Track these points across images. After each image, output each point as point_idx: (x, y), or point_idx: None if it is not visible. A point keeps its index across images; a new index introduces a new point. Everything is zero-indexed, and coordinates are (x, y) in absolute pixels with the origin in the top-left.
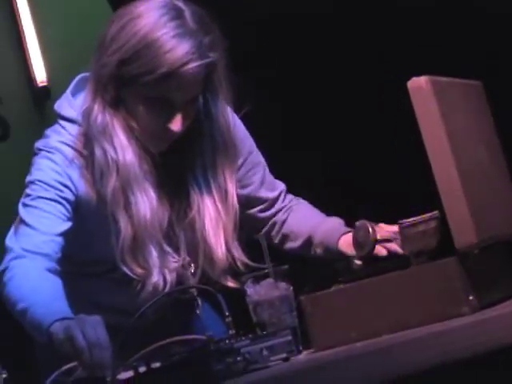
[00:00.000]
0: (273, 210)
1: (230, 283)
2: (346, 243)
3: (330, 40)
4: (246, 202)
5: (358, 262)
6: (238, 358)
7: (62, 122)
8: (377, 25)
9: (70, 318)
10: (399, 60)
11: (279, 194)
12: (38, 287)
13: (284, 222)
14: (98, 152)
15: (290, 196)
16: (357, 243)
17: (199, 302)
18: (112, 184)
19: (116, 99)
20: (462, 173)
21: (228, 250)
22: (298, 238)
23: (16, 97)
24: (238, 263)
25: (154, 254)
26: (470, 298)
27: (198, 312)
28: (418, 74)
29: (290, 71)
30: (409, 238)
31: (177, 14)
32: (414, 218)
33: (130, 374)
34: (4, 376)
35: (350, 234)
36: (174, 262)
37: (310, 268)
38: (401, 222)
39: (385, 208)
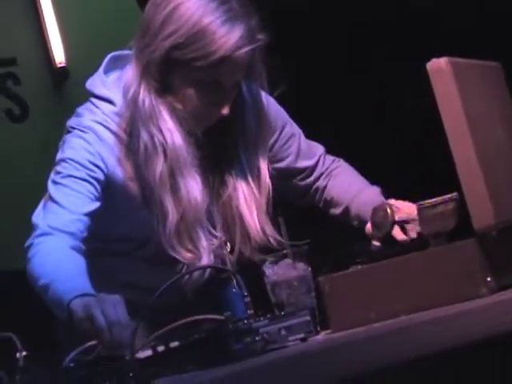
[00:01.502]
0: (313, 177)
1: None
2: None
3: (348, 18)
4: (286, 174)
5: (377, 243)
6: (257, 338)
7: (95, 101)
8: (398, 5)
9: (90, 295)
10: (419, 41)
11: (318, 160)
12: (61, 264)
13: (325, 188)
14: (144, 135)
15: (329, 158)
16: (375, 224)
17: (235, 280)
18: (160, 167)
19: (162, 83)
20: (481, 154)
21: (261, 227)
22: (338, 207)
23: (35, 78)
24: (271, 240)
25: (203, 237)
26: (488, 279)
27: (234, 290)
28: (438, 56)
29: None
30: (427, 220)
31: None
32: (433, 200)
33: (148, 352)
34: (24, 354)
35: (394, 202)
36: (214, 242)
37: (328, 249)
38: (419, 203)
39: (404, 189)
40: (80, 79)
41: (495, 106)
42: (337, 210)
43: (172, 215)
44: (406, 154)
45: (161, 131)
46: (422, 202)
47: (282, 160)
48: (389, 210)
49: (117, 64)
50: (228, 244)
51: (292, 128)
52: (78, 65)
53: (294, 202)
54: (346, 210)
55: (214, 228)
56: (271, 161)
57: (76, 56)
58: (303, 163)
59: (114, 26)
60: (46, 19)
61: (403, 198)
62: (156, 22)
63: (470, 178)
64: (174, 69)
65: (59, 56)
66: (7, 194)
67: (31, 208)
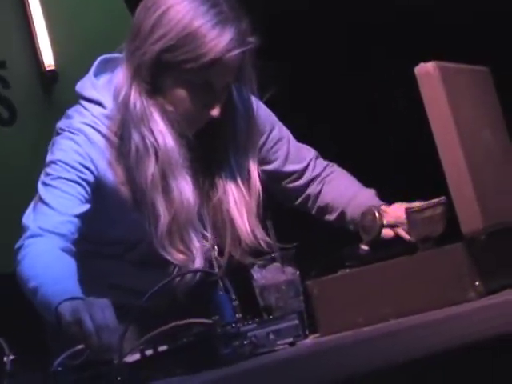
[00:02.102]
0: (303, 181)
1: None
2: None
3: (338, 23)
4: (274, 177)
5: (365, 247)
6: (245, 342)
7: (85, 103)
8: (387, 9)
9: (79, 298)
10: (407, 45)
11: (307, 165)
12: (50, 267)
13: (318, 194)
14: (135, 137)
15: (321, 163)
16: (363, 228)
17: (221, 283)
18: (151, 169)
19: (153, 85)
20: (469, 158)
21: (252, 229)
22: (333, 212)
23: (24, 81)
24: (262, 243)
25: (195, 238)
26: (477, 283)
27: (221, 293)
28: (426, 60)
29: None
30: (416, 224)
31: (214, 2)
32: (421, 204)
33: (136, 356)
34: (12, 358)
35: (382, 206)
36: (206, 244)
37: (317, 252)
38: (408, 207)
39: (392, 193)
40: (69, 82)
41: (484, 110)
42: (332, 216)
43: (164, 217)
44: (399, 154)
45: (152, 133)
46: (410, 206)
47: (269, 163)
48: (377, 214)
49: (107, 67)
50: (215, 247)
51: (280, 131)
52: (67, 68)
53: (286, 204)
54: (342, 215)
55: (205, 230)
56: (260, 163)
57: (65, 59)
58: (291, 167)
59: (103, 29)
60: (35, 22)
61: (395, 199)
62: (146, 25)
63: (458, 183)
64: (165, 71)
65: (48, 59)
66: None
67: (21, 211)
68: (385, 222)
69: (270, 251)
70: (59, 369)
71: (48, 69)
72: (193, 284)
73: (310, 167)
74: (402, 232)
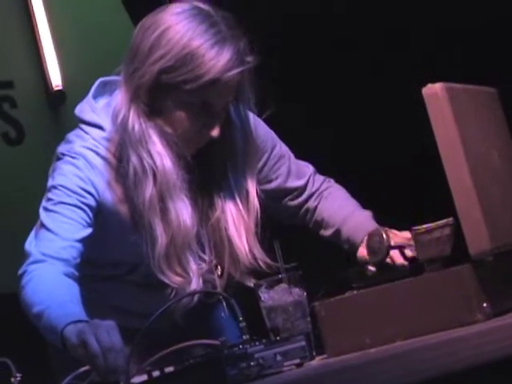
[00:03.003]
0: (303, 197)
1: (253, 284)
2: None
3: (345, 43)
4: (276, 194)
5: (372, 269)
6: (252, 363)
7: (85, 127)
8: (394, 29)
9: (83, 321)
10: (415, 67)
11: (307, 180)
12: (54, 291)
13: (315, 208)
14: (134, 159)
15: (319, 178)
16: (370, 249)
17: (228, 304)
18: (149, 191)
19: (152, 106)
20: (477, 180)
21: (250, 249)
22: (328, 228)
23: (31, 101)
24: (260, 263)
25: (192, 261)
26: (484, 305)
27: (223, 315)
28: (434, 81)
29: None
30: (423, 245)
31: (212, 22)
32: (428, 225)
33: (143, 378)
34: (19, 379)
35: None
36: (203, 266)
37: (323, 274)
38: (415, 228)
39: (399, 214)
40: (77, 102)
41: (490, 131)
42: (327, 232)
43: (161, 239)
44: (406, 175)
45: (150, 155)
46: (417, 227)
47: (271, 181)
48: (384, 235)
49: (106, 89)
50: (219, 267)
51: (281, 149)
52: (74, 88)
53: (285, 221)
54: (337, 233)
55: (204, 251)
56: (261, 182)
57: (73, 79)
58: (293, 183)
59: (111, 49)
60: (42, 42)
61: (402, 220)
62: (145, 46)
63: (465, 204)
64: (164, 92)
65: (56, 79)
66: (3, 217)
67: (28, 232)
68: (392, 244)
69: (269, 271)
70: None
71: (55, 89)
72: (190, 306)
73: (310, 183)
74: (408, 254)
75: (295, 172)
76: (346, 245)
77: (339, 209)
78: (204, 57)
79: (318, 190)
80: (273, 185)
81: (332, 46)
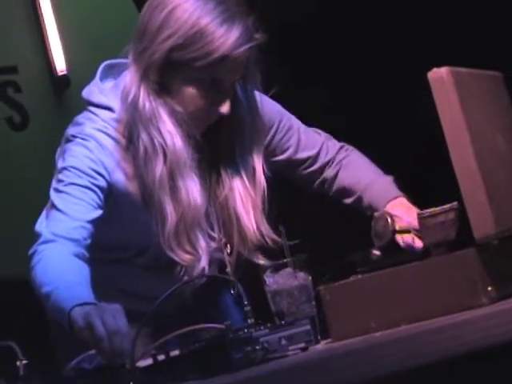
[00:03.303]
0: (317, 165)
1: (261, 260)
2: (392, 210)
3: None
4: (289, 165)
5: (377, 253)
6: (257, 347)
7: (94, 109)
8: (400, 13)
9: (91, 303)
10: (421, 50)
11: (320, 149)
12: (63, 272)
13: (335, 177)
14: (144, 138)
15: (335, 145)
16: (375, 234)
17: (235, 288)
18: (159, 169)
19: (161, 85)
20: (482, 163)
21: (257, 226)
22: (350, 196)
23: (35, 86)
24: (268, 240)
25: (202, 239)
26: (489, 288)
27: (232, 292)
28: (439, 65)
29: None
30: (428, 229)
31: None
32: (433, 209)
33: (148, 361)
34: (24, 362)
35: (399, 200)
36: (212, 244)
37: (328, 258)
38: (420, 212)
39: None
40: (81, 87)
41: (496, 115)
42: (349, 200)
43: (171, 217)
44: (411, 160)
45: (160, 133)
46: (422, 212)
47: (282, 153)
48: (389, 220)
49: (111, 72)
50: (228, 245)
51: (289, 120)
52: (79, 72)
53: (304, 188)
54: (359, 200)
55: (213, 229)
56: (271, 155)
57: (77, 64)
58: (304, 154)
59: (115, 33)
60: (46, 27)
61: None
62: (154, 25)
63: (470, 188)
64: (174, 70)
65: (60, 64)
66: (8, 201)
67: (34, 215)
68: (397, 228)
69: (276, 248)
70: (72, 373)
71: (60, 73)
72: (199, 286)
73: (323, 151)
74: (413, 238)
75: (305, 142)
76: (368, 211)
77: (360, 176)
78: (214, 34)
79: (333, 158)
80: (283, 156)
81: (340, 30)
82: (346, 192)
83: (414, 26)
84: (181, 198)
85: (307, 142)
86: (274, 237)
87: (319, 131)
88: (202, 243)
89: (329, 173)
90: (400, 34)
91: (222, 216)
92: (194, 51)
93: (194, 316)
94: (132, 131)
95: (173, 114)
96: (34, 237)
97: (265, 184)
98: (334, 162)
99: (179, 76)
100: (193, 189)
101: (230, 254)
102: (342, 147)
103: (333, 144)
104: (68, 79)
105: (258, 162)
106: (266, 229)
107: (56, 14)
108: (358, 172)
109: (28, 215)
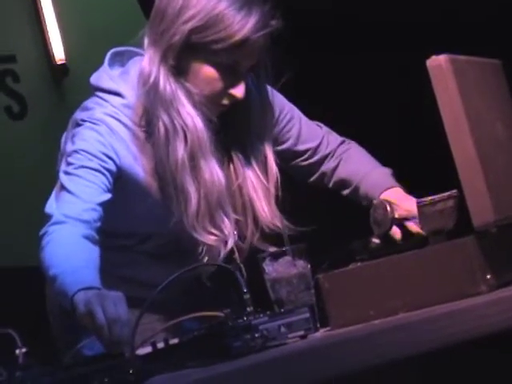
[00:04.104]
0: (317, 157)
1: (270, 249)
2: (389, 198)
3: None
4: (288, 156)
5: (376, 241)
6: (256, 335)
7: (102, 95)
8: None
9: (95, 288)
10: (419, 38)
11: (321, 141)
12: (71, 255)
13: (334, 169)
14: (165, 120)
15: (335, 139)
16: (374, 221)
17: (242, 269)
18: (181, 151)
19: (178, 68)
20: (481, 151)
21: (271, 215)
22: (348, 187)
23: (34, 75)
24: (281, 226)
25: (226, 220)
26: (488, 276)
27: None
28: (438, 53)
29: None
30: (427, 217)
31: None
32: (433, 197)
33: (148, 349)
34: (24, 350)
35: (394, 190)
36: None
37: (328, 246)
38: (419, 200)
39: (403, 187)
40: (79, 76)
41: (495, 102)
42: (346, 191)
43: (194, 198)
44: (410, 147)
45: (180, 115)
46: (421, 200)
47: (282, 143)
48: (388, 208)
49: (118, 60)
50: (235, 232)
51: (291, 111)
52: (77, 61)
53: (301, 181)
54: (356, 190)
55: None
56: (273, 145)
57: (75, 53)
58: (304, 145)
59: (113, 22)
60: (45, 16)
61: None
62: (174, 8)
63: (469, 175)
64: (193, 52)
65: (59, 53)
66: (7, 190)
67: (34, 202)
68: (396, 216)
69: (291, 235)
70: (71, 361)
71: (58, 62)
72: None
73: (324, 144)
74: (412, 226)
75: (306, 133)
76: (364, 201)
77: (358, 167)
78: (234, 18)
79: (333, 151)
80: (284, 146)
81: (338, 20)
82: (344, 183)
83: (412, 12)
84: (204, 178)
85: (308, 133)
86: (288, 224)
87: (320, 124)
88: (227, 224)
89: (329, 166)
90: (397, 23)
91: (235, 204)
92: (214, 34)
93: (196, 303)
94: (150, 116)
95: (190, 96)
96: (34, 221)
97: (277, 172)
98: (335, 156)
99: (198, 58)
100: (216, 169)
101: (243, 242)
102: (343, 141)
103: (334, 138)
104: (66, 68)
105: (270, 151)
106: (278, 216)
107: (54, 2)
108: (356, 164)
109: (27, 204)
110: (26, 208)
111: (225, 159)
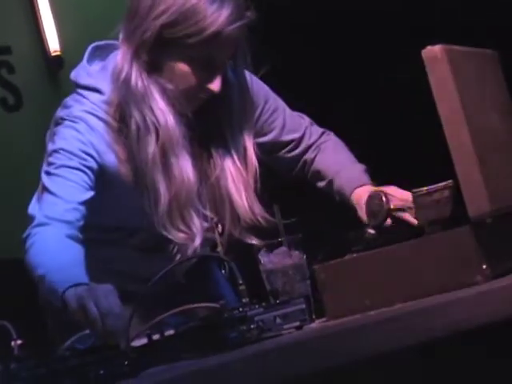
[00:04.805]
0: (300, 149)
1: (254, 241)
2: (358, 197)
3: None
4: (272, 147)
5: (372, 231)
6: (252, 326)
7: (82, 91)
8: None
9: (84, 284)
10: (415, 29)
11: (304, 133)
12: (57, 254)
13: (313, 160)
14: (136, 117)
15: (317, 130)
16: (370, 212)
17: (228, 267)
18: (152, 147)
19: (152, 64)
20: (476, 142)
21: (250, 206)
22: (323, 180)
23: (29, 67)
24: (260, 219)
25: (195, 217)
26: (484, 266)
27: (223, 272)
28: (433, 43)
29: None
30: (422, 207)
31: None
32: (428, 187)
33: (143, 341)
34: (19, 342)
35: (365, 187)
36: (205, 224)
37: (323, 237)
38: (415, 190)
39: (399, 177)
40: (75, 67)
41: (491, 93)
42: (321, 183)
43: (164, 195)
44: (406, 138)
45: (153, 111)
46: (417, 190)
47: (266, 134)
48: (384, 198)
49: (98, 54)
50: (219, 225)
51: (275, 102)
52: (72, 53)
53: (285, 175)
54: (330, 184)
55: (205, 208)
56: (257, 136)
57: (71, 44)
58: (289, 136)
59: (108, 14)
60: (40, 7)
61: (401, 183)
62: (146, 3)
63: (465, 166)
64: (166, 48)
65: (54, 44)
66: (2, 183)
67: (27, 195)
68: (392, 206)
69: (269, 227)
70: (66, 353)
71: (53, 54)
72: (191, 263)
73: (307, 135)
74: (408, 216)
75: (290, 124)
76: (336, 196)
77: (334, 161)
78: (206, 10)
79: (315, 142)
80: (268, 137)
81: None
82: (319, 175)
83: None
84: (174, 176)
85: (292, 124)
86: (267, 216)
87: (303, 115)
88: (196, 222)
89: (308, 156)
90: (392, 14)
91: (213, 196)
92: (186, 28)
93: (185, 294)
94: (124, 111)
95: (164, 92)
96: (27, 215)
97: (256, 164)
98: (314, 146)
99: (171, 53)
100: (186, 166)
101: (221, 234)
102: (323, 132)
103: (315, 129)
104: (62, 60)
105: (249, 142)
106: (258, 208)
107: None
108: (332, 157)
109: (23, 197)
110: (21, 200)
111: (204, 154)
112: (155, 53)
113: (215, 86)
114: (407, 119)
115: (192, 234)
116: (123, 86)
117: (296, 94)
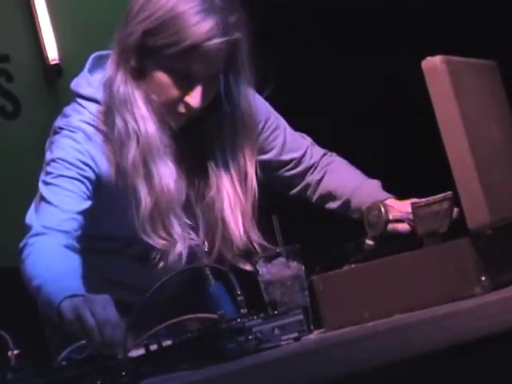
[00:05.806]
0: (300, 168)
1: (246, 266)
2: None
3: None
4: (272, 166)
5: (370, 242)
6: (250, 337)
7: (81, 101)
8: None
9: (80, 295)
10: (415, 39)
11: (304, 152)
12: (53, 265)
13: (319, 181)
14: (118, 122)
15: (319, 151)
16: (369, 223)
17: (211, 280)
18: (132, 154)
19: (138, 71)
20: (476, 153)
21: (246, 232)
22: (337, 200)
23: (28, 75)
24: (256, 246)
25: (176, 224)
26: (483, 278)
27: (210, 290)
28: (433, 54)
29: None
30: (421, 219)
31: None
32: (427, 199)
33: (141, 351)
34: (16, 352)
35: (389, 201)
36: (191, 238)
37: (322, 248)
38: (414, 202)
39: (398, 188)
40: (73, 76)
41: (490, 104)
42: (334, 204)
43: (145, 201)
44: (405, 149)
45: (135, 118)
46: (416, 201)
47: (266, 152)
48: (383, 209)
49: (100, 64)
50: (206, 243)
51: (277, 120)
52: (71, 61)
53: (283, 193)
54: (346, 204)
55: (197, 228)
56: (256, 153)
57: (69, 53)
58: (289, 155)
59: (107, 22)
60: (39, 16)
61: (401, 195)
62: (135, 8)
63: (464, 177)
64: (148, 56)
65: (52, 53)
66: (0, 191)
67: (25, 204)
68: (390, 217)
69: (283, 236)
70: (63, 363)
71: (52, 62)
72: (179, 280)
73: (308, 155)
74: (407, 227)
75: (291, 143)
76: (356, 214)
77: (347, 180)
78: (186, 22)
79: (317, 163)
80: (268, 156)
81: (330, 19)
82: (331, 196)
83: (408, 12)
84: (154, 183)
85: (293, 143)
86: (265, 243)
87: (305, 135)
88: (177, 229)
89: (313, 177)
90: (392, 22)
91: (207, 217)
92: (165, 37)
93: (181, 305)
94: (108, 116)
95: (148, 100)
96: (25, 229)
97: (256, 188)
98: (318, 167)
99: (153, 63)
100: (166, 174)
101: (208, 253)
102: (325, 153)
103: (317, 149)
104: (60, 68)
105: (251, 166)
106: (255, 235)
107: (48, 2)
108: (343, 176)
109: (21, 205)
110: (20, 208)
111: (199, 172)
112: (141, 59)
113: (194, 100)
114: (406, 128)
115: (173, 240)
116: (107, 89)
117: (296, 94)
